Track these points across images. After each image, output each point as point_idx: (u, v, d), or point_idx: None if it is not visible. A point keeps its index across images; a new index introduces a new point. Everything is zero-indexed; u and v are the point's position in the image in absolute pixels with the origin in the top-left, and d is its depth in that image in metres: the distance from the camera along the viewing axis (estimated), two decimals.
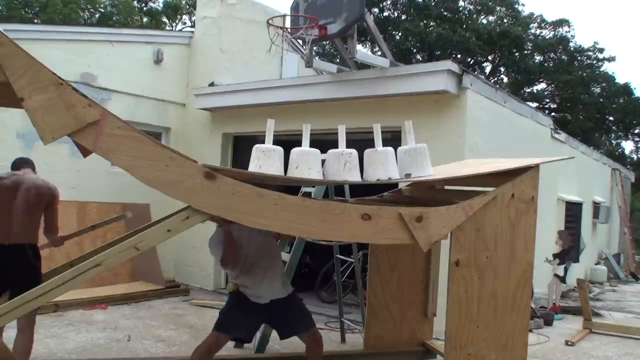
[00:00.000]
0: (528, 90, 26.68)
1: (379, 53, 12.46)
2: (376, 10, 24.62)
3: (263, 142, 3.32)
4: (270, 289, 3.82)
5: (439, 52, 23.70)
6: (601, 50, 25.77)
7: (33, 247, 3.86)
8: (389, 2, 25.43)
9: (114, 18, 21.73)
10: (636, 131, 27.66)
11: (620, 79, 31.55)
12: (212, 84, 8.33)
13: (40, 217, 3.94)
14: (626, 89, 25.20)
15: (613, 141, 29.41)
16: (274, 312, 3.82)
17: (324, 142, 4.03)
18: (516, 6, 26.20)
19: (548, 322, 6.92)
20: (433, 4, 24.80)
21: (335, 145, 3.49)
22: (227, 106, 8.01)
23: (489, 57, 25.98)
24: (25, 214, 3.79)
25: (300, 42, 8.38)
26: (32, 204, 3.83)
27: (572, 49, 25.62)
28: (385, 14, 25.60)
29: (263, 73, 8.68)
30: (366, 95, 6.49)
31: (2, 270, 3.70)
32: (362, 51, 7.47)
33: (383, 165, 3.45)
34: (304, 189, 5.17)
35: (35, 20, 18.62)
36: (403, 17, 25.45)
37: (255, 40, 8.42)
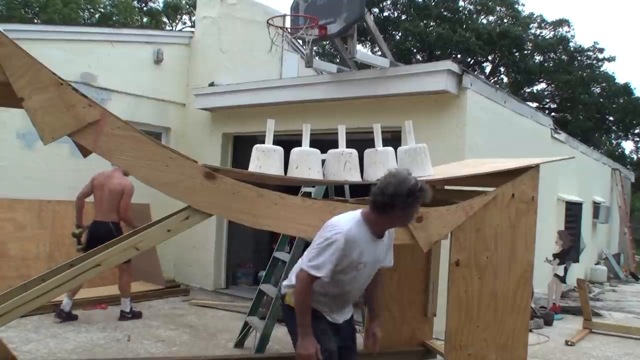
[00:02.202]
0: (528, 90, 26.68)
1: (379, 53, 12.46)
2: (376, 10, 24.63)
3: (263, 142, 3.33)
4: (347, 312, 3.12)
5: (439, 52, 23.70)
6: (601, 50, 25.80)
7: (115, 224, 5.92)
8: (389, 2, 25.44)
9: (114, 18, 21.73)
10: (636, 131, 27.67)
11: (620, 79, 31.57)
12: (212, 84, 8.33)
13: (117, 204, 5.94)
14: (626, 89, 25.20)
15: (613, 141, 29.42)
16: (344, 332, 3.09)
17: (324, 142, 4.04)
18: (516, 6, 26.20)
19: (548, 322, 6.92)
20: (433, 4, 24.81)
21: (335, 145, 3.50)
22: (227, 106, 8.01)
23: (489, 57, 25.98)
24: (108, 202, 5.92)
25: (300, 42, 8.38)
26: (111, 196, 5.93)
27: (572, 49, 25.63)
28: (385, 14, 25.61)
29: (263, 73, 8.68)
30: (366, 95, 6.49)
31: (93, 238, 5.64)
32: (362, 51, 7.47)
33: (383, 165, 3.45)
34: (304, 189, 5.17)
35: (35, 20, 18.63)
36: (403, 17, 25.46)
37: (255, 40, 8.42)
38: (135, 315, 6.10)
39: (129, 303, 6.09)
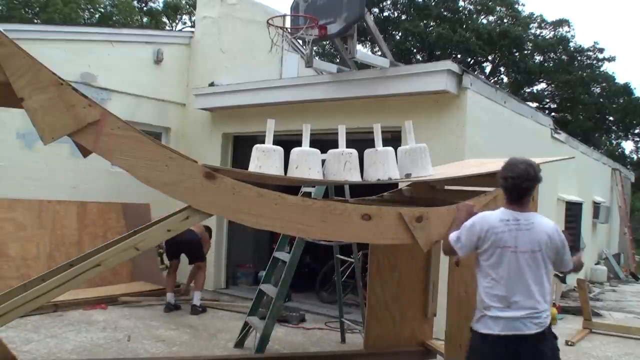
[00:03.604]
0: (528, 90, 26.68)
1: (379, 53, 12.46)
2: (376, 10, 24.63)
3: (263, 142, 3.33)
4: None
5: (439, 52, 23.70)
6: (601, 50, 25.78)
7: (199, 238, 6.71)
8: (389, 2, 25.44)
9: (114, 18, 21.74)
10: (636, 131, 27.67)
11: (620, 79, 31.46)
12: (212, 84, 8.33)
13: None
14: (626, 89, 25.20)
15: (613, 141, 29.41)
16: None
17: (324, 142, 4.04)
18: (516, 6, 26.20)
19: None
20: (433, 4, 24.81)
21: (335, 145, 3.50)
22: (227, 106, 8.01)
23: (489, 57, 25.97)
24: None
25: (300, 42, 8.38)
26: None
27: (572, 49, 25.62)
28: (385, 14, 25.61)
29: (263, 73, 8.68)
30: (366, 95, 6.49)
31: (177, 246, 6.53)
32: (362, 51, 7.47)
33: (383, 165, 3.45)
34: (304, 189, 5.17)
35: (35, 20, 18.62)
36: (403, 17, 25.45)
37: (255, 40, 8.42)
38: (204, 309, 6.62)
39: (200, 297, 6.66)
